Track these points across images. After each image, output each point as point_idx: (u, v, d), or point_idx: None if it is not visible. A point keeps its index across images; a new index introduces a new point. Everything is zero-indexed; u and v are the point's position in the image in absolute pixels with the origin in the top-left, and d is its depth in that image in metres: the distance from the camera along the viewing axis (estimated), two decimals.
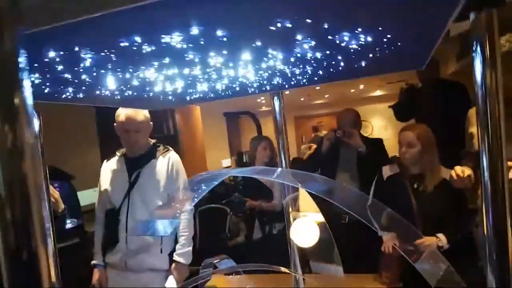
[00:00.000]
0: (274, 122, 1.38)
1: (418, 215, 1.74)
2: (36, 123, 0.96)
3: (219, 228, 3.67)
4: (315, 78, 1.13)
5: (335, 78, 1.18)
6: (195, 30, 0.53)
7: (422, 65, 0.99)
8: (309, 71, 1.00)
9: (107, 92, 0.89)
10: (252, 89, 1.22)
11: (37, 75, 0.65)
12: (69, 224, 2.46)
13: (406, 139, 1.84)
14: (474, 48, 0.63)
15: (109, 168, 1.93)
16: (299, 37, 0.62)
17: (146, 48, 0.57)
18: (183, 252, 1.83)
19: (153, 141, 1.97)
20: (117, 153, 1.95)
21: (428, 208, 1.76)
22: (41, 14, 0.42)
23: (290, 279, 1.39)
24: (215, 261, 0.93)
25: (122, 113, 1.83)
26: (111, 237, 1.80)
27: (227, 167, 7.36)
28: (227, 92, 1.21)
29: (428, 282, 0.77)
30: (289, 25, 0.54)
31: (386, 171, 1.97)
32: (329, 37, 0.64)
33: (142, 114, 1.85)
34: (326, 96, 8.73)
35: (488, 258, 0.67)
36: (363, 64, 0.93)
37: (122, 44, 0.54)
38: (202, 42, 0.58)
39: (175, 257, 1.83)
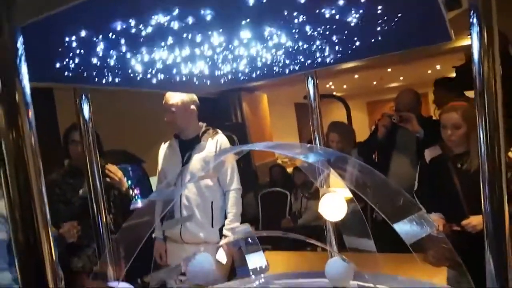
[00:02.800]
0: (309, 104, 1.41)
1: (463, 195, 1.64)
2: (86, 109, 1.12)
3: (280, 211, 3.77)
4: (343, 56, 1.14)
5: (362, 55, 1.18)
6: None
7: (447, 39, 0.96)
8: (340, 48, 1.02)
9: (138, 76, 1.01)
10: (282, 70, 1.27)
11: (62, 60, 0.77)
12: (141, 204, 2.75)
13: (451, 120, 1.73)
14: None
15: (165, 150, 2.13)
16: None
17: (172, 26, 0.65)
18: (232, 227, 1.96)
19: (204, 125, 2.12)
20: (173, 136, 2.15)
21: (473, 187, 1.65)
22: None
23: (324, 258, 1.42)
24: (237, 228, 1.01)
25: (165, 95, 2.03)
26: (167, 213, 1.99)
27: None
28: (257, 73, 1.27)
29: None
30: None
31: (428, 153, 1.88)
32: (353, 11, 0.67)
33: (178, 96, 2.01)
34: (400, 78, 8.25)
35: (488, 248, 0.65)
36: (386, 38, 0.93)
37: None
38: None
39: (224, 232, 1.96)
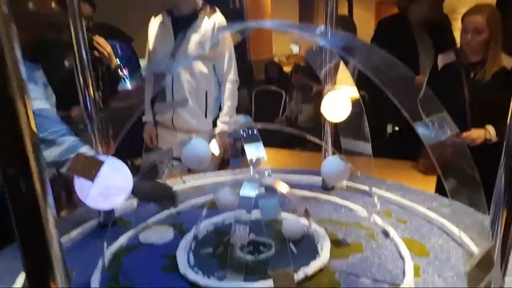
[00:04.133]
0: None
1: (469, 106, 1.61)
2: None
3: (274, 110, 3.74)
4: None
5: None
6: None
7: None
8: None
9: None
10: None
11: None
12: (130, 86, 2.65)
13: (473, 24, 1.61)
14: None
15: (156, 27, 1.94)
16: None
17: None
18: (226, 120, 1.91)
19: (200, 1, 1.90)
20: (164, 8, 1.92)
21: (481, 99, 1.62)
22: None
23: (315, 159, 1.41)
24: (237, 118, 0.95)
25: None
26: (158, 96, 1.92)
27: (296, 55, 7.11)
28: None
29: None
30: None
31: (442, 59, 1.78)
32: None
33: None
34: None
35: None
36: None
37: None
38: None
39: (218, 124, 1.92)
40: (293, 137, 2.84)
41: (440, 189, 1.45)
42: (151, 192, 1.12)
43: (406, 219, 1.14)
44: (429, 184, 1.57)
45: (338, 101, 1.11)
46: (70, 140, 1.03)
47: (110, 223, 0.97)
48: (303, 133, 0.98)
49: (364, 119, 1.15)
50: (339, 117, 1.12)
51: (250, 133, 0.87)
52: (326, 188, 1.39)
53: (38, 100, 1.07)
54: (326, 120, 1.30)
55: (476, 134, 1.52)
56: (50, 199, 0.40)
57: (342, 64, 1.15)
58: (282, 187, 0.89)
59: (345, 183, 1.33)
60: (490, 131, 1.52)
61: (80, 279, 0.93)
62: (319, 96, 2.65)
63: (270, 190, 0.88)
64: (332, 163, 0.97)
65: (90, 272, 0.92)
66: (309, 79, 2.89)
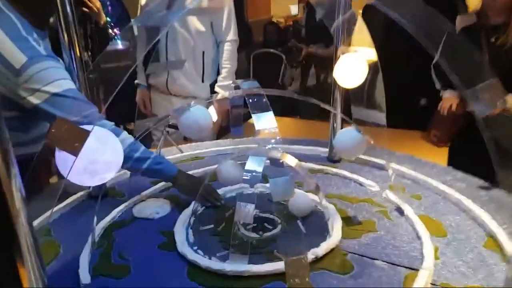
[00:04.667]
0: None
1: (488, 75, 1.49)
2: None
3: (273, 74, 3.58)
4: None
5: None
6: None
7: None
8: None
9: None
10: None
11: None
12: (122, 46, 2.48)
13: None
14: None
15: None
16: None
17: None
18: (225, 84, 1.79)
19: None
20: None
21: (503, 65, 1.50)
22: None
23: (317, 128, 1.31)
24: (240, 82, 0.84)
25: None
26: (152, 57, 1.77)
27: (295, 16, 6.83)
28: None
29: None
30: None
31: (461, 21, 1.65)
32: None
33: None
34: None
35: None
36: None
37: None
38: None
39: (216, 88, 1.80)
40: (294, 104, 2.73)
41: (452, 162, 1.38)
42: (189, 186, 1.01)
43: (420, 194, 1.07)
44: (440, 156, 1.49)
45: (354, 64, 1.00)
46: (108, 125, 0.92)
47: (100, 195, 0.87)
48: (316, 101, 0.88)
49: (381, 85, 1.04)
50: (354, 82, 1.02)
51: (257, 101, 0.76)
52: (332, 160, 1.31)
53: (63, 79, 0.92)
54: (337, 86, 1.20)
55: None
56: (15, 170, 0.34)
57: (360, 21, 1.03)
58: (290, 160, 0.80)
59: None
60: (509, 101, 1.41)
61: (68, 255, 0.86)
62: (310, 60, 2.51)
63: (276, 163, 0.79)
64: (347, 135, 0.87)
65: (79, 249, 0.84)
66: (304, 43, 2.75)
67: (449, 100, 1.56)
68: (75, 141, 0.56)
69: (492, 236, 0.87)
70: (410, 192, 1.07)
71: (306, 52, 2.53)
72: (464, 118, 1.57)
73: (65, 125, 0.58)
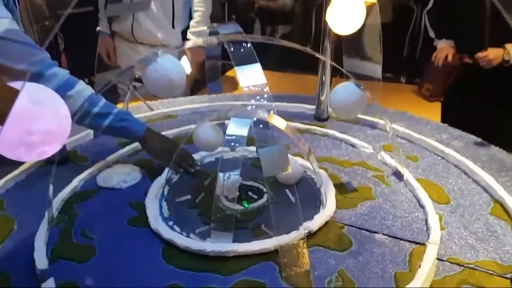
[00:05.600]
0: None
1: (489, 22, 1.38)
2: None
3: (249, 19, 3.33)
4: None
5: None
6: None
7: None
8: None
9: None
10: None
11: None
12: None
13: None
14: None
15: None
16: None
17: None
18: (198, 30, 1.60)
19: None
20: None
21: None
22: None
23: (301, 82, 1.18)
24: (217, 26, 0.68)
25: None
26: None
27: None
28: None
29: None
30: None
31: None
32: None
33: None
34: None
35: None
36: None
37: None
38: None
39: (189, 35, 1.61)
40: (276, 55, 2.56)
41: (446, 118, 1.29)
42: (161, 149, 0.88)
43: (417, 155, 0.98)
44: (433, 111, 1.40)
45: (350, 7, 0.85)
46: (61, 74, 0.78)
47: (56, 159, 0.70)
48: (302, 47, 0.73)
49: (379, 32, 0.91)
50: (349, 28, 0.87)
51: (240, 49, 0.61)
52: (319, 118, 1.19)
53: (2, 18, 0.73)
54: (327, 33, 1.05)
55: (494, 54, 1.32)
56: None
57: None
58: (278, 122, 0.67)
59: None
60: (510, 51, 1.32)
61: (23, 233, 0.73)
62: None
63: (262, 123, 0.66)
64: (345, 90, 0.75)
65: (35, 224, 0.71)
66: None
67: (444, 50, 1.45)
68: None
69: (498, 201, 0.79)
70: (406, 153, 0.98)
71: (258, 4, 2.37)
72: (458, 71, 1.47)
73: None
